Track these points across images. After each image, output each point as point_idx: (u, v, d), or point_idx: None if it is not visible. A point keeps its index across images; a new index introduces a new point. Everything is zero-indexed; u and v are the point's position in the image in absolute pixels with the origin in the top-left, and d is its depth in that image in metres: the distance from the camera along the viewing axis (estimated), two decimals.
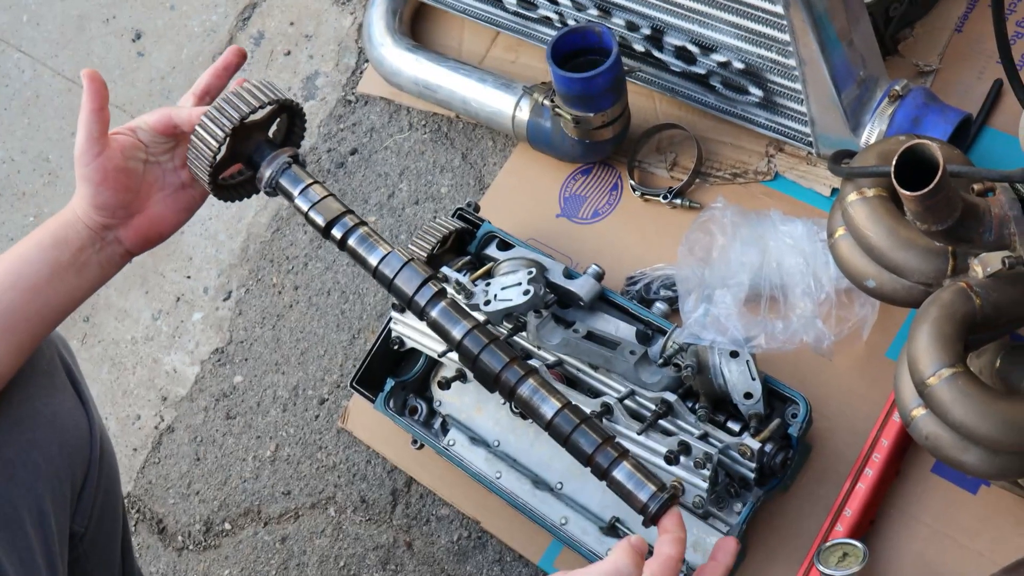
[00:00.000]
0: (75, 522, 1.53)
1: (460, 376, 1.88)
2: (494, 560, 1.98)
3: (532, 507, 1.83)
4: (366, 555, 2.09)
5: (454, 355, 1.85)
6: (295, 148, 1.61)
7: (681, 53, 1.89)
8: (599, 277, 1.88)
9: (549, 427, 1.42)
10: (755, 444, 1.63)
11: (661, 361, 1.75)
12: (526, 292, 1.82)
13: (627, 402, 1.76)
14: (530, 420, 1.72)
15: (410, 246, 1.96)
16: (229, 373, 2.35)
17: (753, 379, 1.67)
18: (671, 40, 1.87)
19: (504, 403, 1.84)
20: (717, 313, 1.68)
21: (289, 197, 1.55)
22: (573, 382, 1.83)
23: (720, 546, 1.37)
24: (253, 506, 2.22)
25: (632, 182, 2.04)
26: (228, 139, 1.51)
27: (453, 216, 2.02)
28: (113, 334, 2.53)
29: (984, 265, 1.46)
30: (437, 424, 1.95)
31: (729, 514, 1.71)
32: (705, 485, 1.65)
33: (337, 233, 1.52)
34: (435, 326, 1.48)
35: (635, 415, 1.75)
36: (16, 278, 1.48)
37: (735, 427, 1.72)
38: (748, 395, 1.68)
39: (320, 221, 1.52)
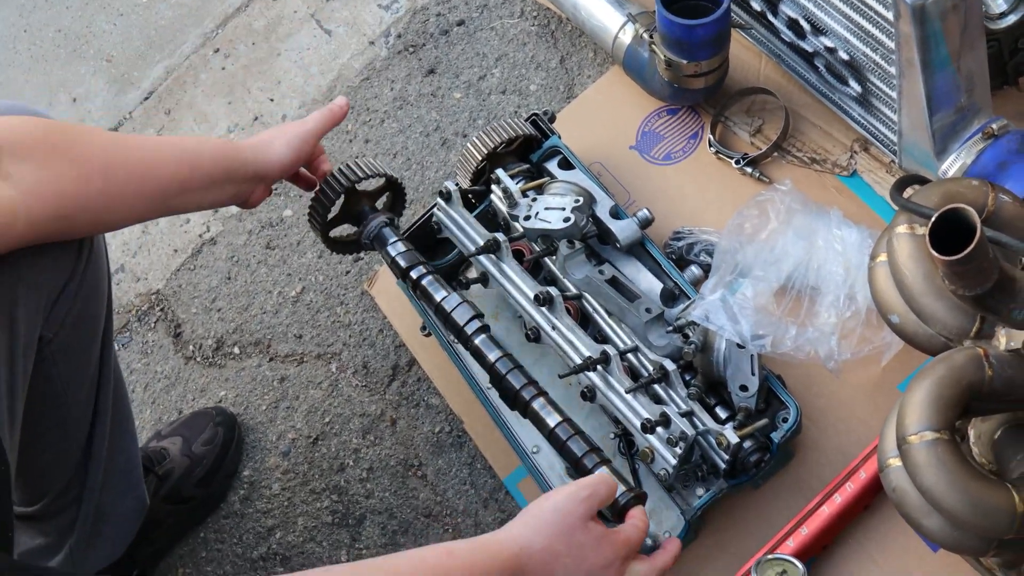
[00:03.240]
0: (45, 328, 1.55)
1: (483, 280, 1.87)
2: (465, 462, 1.99)
3: (511, 427, 1.83)
4: (352, 419, 2.11)
5: (483, 257, 1.85)
6: (394, 214, 1.95)
7: (792, 25, 1.83)
8: (645, 224, 1.84)
9: (550, 435, 1.65)
10: (734, 438, 1.61)
11: (672, 327, 1.73)
12: (567, 219, 1.80)
13: (629, 356, 1.74)
14: (539, 345, 1.74)
15: (475, 139, 1.94)
16: (281, 204, 2.36)
17: (752, 374, 1.64)
18: (785, 10, 1.81)
19: (519, 318, 1.83)
20: (733, 302, 1.64)
21: (383, 245, 1.88)
22: (585, 320, 1.81)
23: (665, 545, 1.55)
24: (265, 339, 2.24)
25: (712, 136, 2.00)
26: (342, 198, 1.89)
27: (527, 120, 1.99)
28: (188, 132, 2.54)
29: (1009, 338, 1.41)
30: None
31: (690, 495, 1.70)
32: (675, 462, 1.64)
33: (414, 274, 1.82)
34: (476, 353, 1.75)
35: (632, 372, 1.74)
36: (157, 162, 1.62)
37: (722, 414, 1.70)
38: (744, 388, 1.65)
39: (403, 263, 1.84)
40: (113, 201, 1.55)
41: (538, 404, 1.67)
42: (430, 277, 1.82)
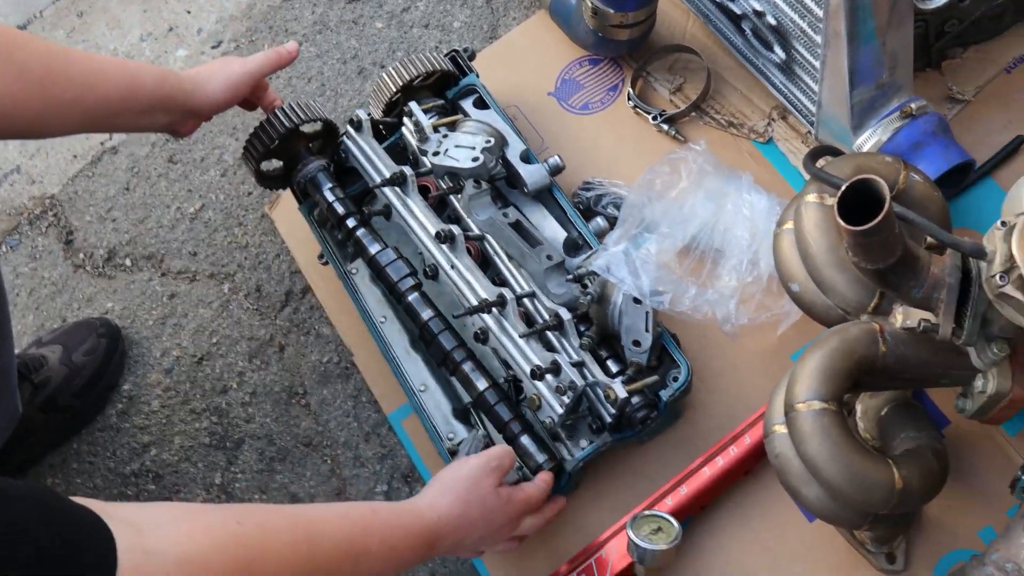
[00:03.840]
0: None
1: (386, 213, 1.83)
2: (351, 395, 1.96)
3: (401, 363, 1.80)
4: (240, 341, 2.06)
5: (388, 189, 1.81)
6: (328, 159, 1.93)
7: None
8: (555, 171, 1.82)
9: (478, 398, 1.71)
10: (622, 392, 1.59)
11: (572, 277, 1.71)
12: (475, 159, 1.77)
13: (525, 302, 1.72)
14: (438, 281, 1.72)
15: (391, 69, 1.90)
16: None
17: (647, 330, 1.63)
18: None
19: (419, 254, 1.80)
20: (635, 256, 1.63)
21: (318, 190, 1.88)
22: (485, 262, 1.78)
23: (551, 502, 1.65)
24: (158, 253, 2.19)
25: (631, 90, 1.97)
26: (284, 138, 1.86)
27: (446, 55, 1.95)
28: (99, 39, 2.47)
29: (906, 316, 1.41)
30: (350, 248, 1.90)
31: (575, 446, 1.68)
32: (561, 411, 1.62)
33: (349, 223, 1.84)
34: (409, 310, 1.79)
35: (527, 317, 1.71)
36: (98, 79, 1.63)
37: (613, 368, 1.68)
38: (637, 343, 1.64)
39: (340, 210, 1.85)
40: (50, 109, 1.57)
41: (468, 367, 1.72)
42: (364, 229, 1.83)
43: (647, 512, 1.60)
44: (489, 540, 1.58)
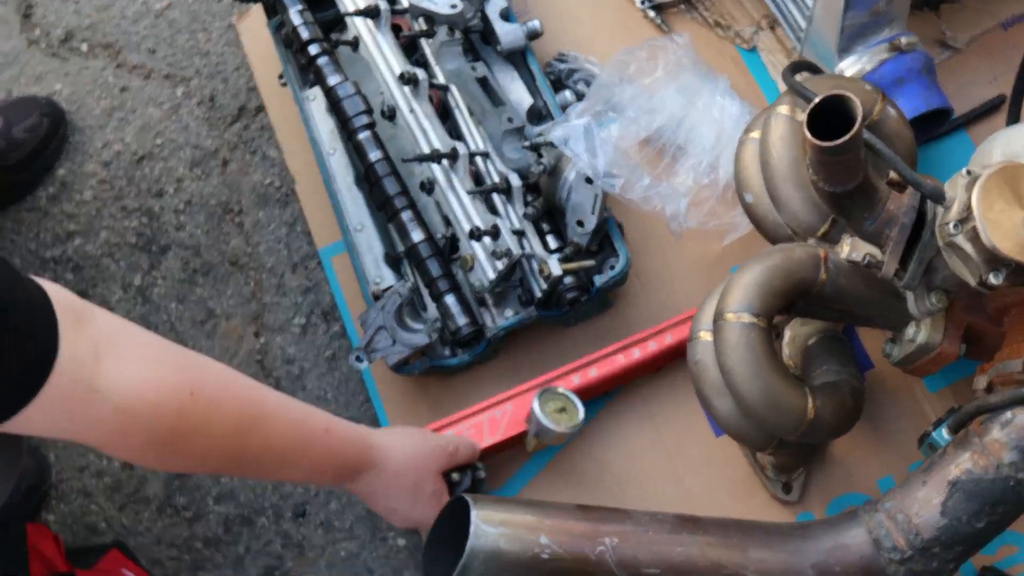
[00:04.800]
0: None
1: (354, 44, 1.78)
2: (286, 221, 1.94)
3: (342, 198, 1.76)
4: (184, 148, 2.02)
5: (359, 20, 1.76)
6: None
7: None
8: (532, 35, 1.78)
9: (411, 249, 1.68)
10: (557, 269, 1.57)
11: (529, 144, 1.67)
12: (454, 6, 1.72)
13: (478, 160, 1.69)
14: (394, 124, 1.68)
15: None
16: None
17: (593, 212, 1.60)
18: None
19: (380, 94, 1.75)
20: (596, 134, 1.59)
21: (286, 9, 1.79)
22: (445, 114, 1.74)
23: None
24: (117, 44, 2.13)
25: None
26: None
27: None
28: None
29: (851, 249, 1.39)
30: (310, 75, 1.85)
31: (499, 314, 1.66)
32: (492, 276, 1.60)
33: (312, 50, 1.76)
34: (358, 147, 1.73)
35: (476, 176, 1.68)
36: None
37: (552, 244, 1.66)
38: (580, 223, 1.61)
39: (304, 35, 1.77)
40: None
41: (407, 216, 1.69)
42: (327, 58, 1.76)
43: (559, 390, 1.58)
44: (399, 514, 1.53)
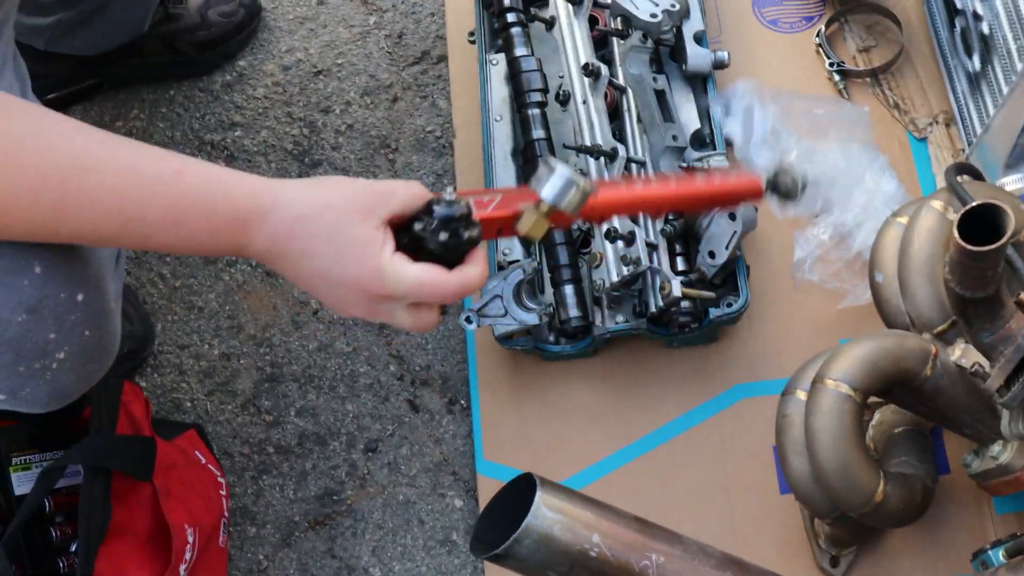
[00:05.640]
0: None
1: (549, 23, 1.84)
2: (436, 172, 2.00)
3: (495, 165, 1.82)
4: (362, 74, 2.09)
5: (561, 2, 1.83)
6: None
7: None
8: (718, 65, 1.82)
9: None
10: (678, 291, 1.61)
11: (684, 165, 1.72)
12: (654, 16, 1.76)
13: (633, 166, 1.73)
14: (565, 110, 1.78)
15: None
16: None
17: (726, 248, 1.64)
18: None
19: (560, 77, 1.81)
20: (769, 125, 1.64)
21: None
22: (615, 114, 1.79)
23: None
24: None
25: (823, 29, 1.95)
26: None
27: None
28: None
29: (962, 354, 1.42)
30: (499, 40, 1.89)
31: (610, 317, 1.71)
32: (615, 279, 1.65)
33: (509, 17, 1.83)
34: (524, 121, 1.78)
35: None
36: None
37: (680, 266, 1.70)
38: (712, 255, 1.65)
39: (506, 2, 1.83)
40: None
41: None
42: (520, 29, 1.84)
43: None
44: (326, 279, 1.17)
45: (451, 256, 1.17)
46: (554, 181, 1.18)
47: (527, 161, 1.77)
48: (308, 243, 1.14)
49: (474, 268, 1.18)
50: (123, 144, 1.13)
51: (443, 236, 1.15)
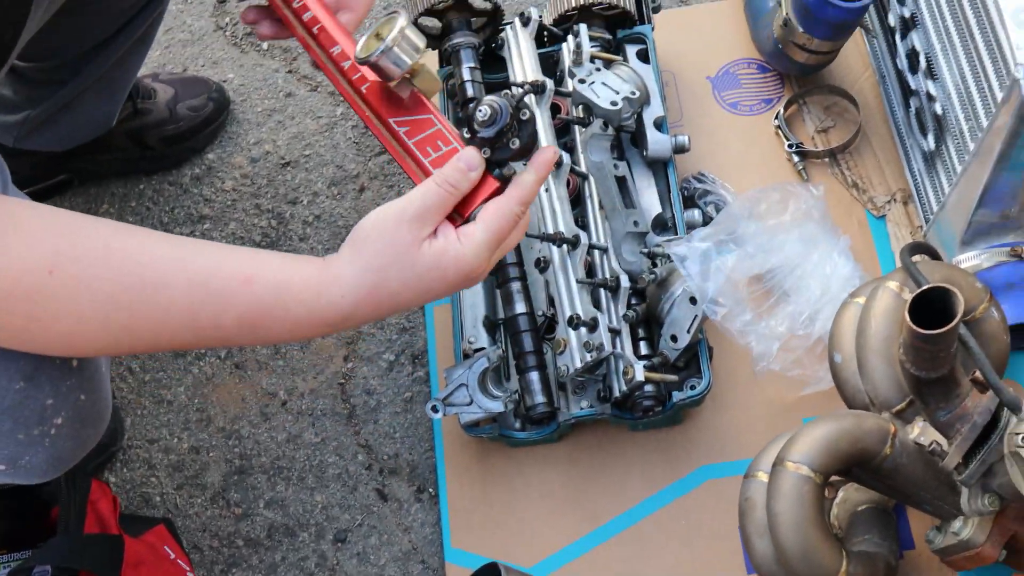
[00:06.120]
0: None
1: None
2: None
3: None
4: (329, 165, 2.12)
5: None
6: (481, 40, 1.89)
7: (912, 56, 1.81)
8: (679, 149, 1.84)
9: (511, 319, 1.74)
10: (641, 376, 1.62)
11: (646, 251, 1.74)
12: (614, 104, 1.78)
13: (595, 253, 1.75)
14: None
15: None
16: None
17: (688, 331, 1.66)
18: (915, 40, 1.79)
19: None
20: (713, 260, 1.65)
21: (460, 64, 1.87)
22: (577, 200, 1.81)
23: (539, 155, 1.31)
24: (294, 51, 2.24)
25: (782, 111, 1.98)
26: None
27: None
28: None
29: (920, 432, 1.43)
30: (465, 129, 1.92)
31: (575, 402, 1.73)
32: (579, 365, 1.66)
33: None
34: None
35: (589, 267, 1.75)
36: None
37: (644, 350, 1.72)
38: (674, 338, 1.67)
39: (469, 92, 1.84)
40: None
41: (515, 287, 1.74)
42: None
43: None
44: (409, 292, 1.22)
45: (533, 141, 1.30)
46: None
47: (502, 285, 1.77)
48: (387, 295, 1.20)
49: (527, 174, 1.27)
50: (188, 251, 1.17)
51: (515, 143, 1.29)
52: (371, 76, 1.32)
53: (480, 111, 1.29)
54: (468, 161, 1.24)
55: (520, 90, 1.31)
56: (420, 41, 1.27)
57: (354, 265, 1.20)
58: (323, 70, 1.41)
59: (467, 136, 1.29)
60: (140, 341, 1.17)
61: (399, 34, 1.25)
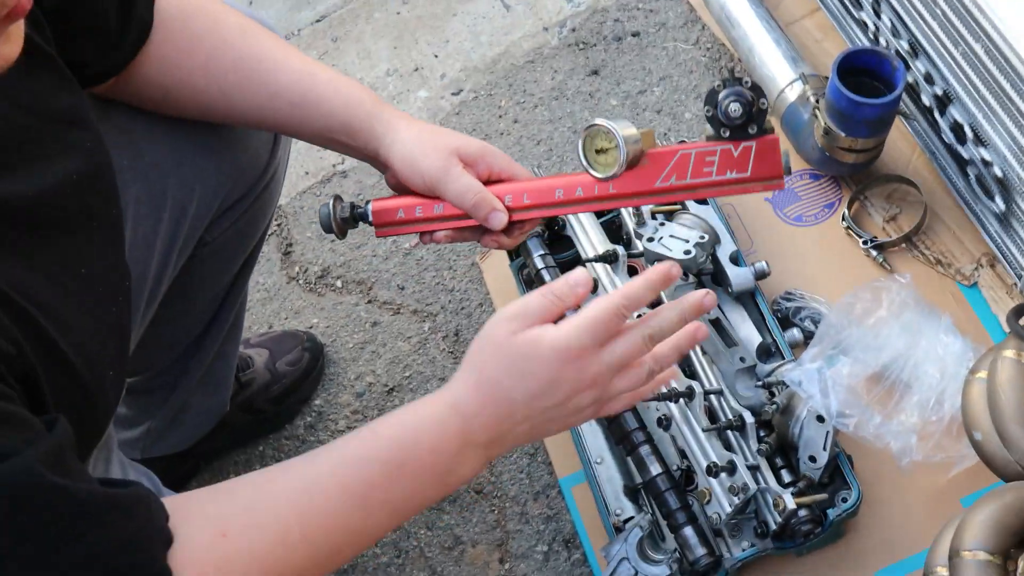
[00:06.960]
0: (207, 231, 1.61)
1: (594, 287, 1.91)
2: (527, 451, 2.04)
3: (581, 431, 1.87)
4: (431, 380, 2.17)
5: (599, 265, 1.90)
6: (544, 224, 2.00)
7: (956, 128, 1.85)
8: (760, 276, 1.89)
9: (649, 482, 1.74)
10: (791, 503, 1.65)
11: (760, 383, 1.77)
12: (688, 252, 1.84)
13: (712, 398, 1.78)
14: None
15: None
16: None
17: (824, 448, 1.68)
18: (954, 113, 1.84)
19: None
20: (828, 375, 1.68)
21: (529, 253, 1.94)
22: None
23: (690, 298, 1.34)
24: (368, 280, 2.31)
25: (847, 212, 2.03)
26: None
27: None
28: (348, 66, 2.62)
29: None
30: None
31: (735, 544, 1.74)
32: (729, 510, 1.68)
33: None
34: None
35: (711, 413, 1.78)
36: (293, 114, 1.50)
37: (786, 478, 1.74)
38: (813, 459, 1.69)
39: (547, 278, 1.89)
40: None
41: (645, 451, 1.75)
42: None
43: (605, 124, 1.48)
44: (566, 413, 1.25)
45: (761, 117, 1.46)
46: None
47: (611, 420, 1.80)
48: (520, 423, 1.23)
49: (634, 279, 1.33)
50: (338, 465, 1.18)
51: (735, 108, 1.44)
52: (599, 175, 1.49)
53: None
54: (577, 278, 1.28)
55: None
56: (621, 121, 1.47)
57: (460, 371, 1.25)
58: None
59: None
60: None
61: (618, 133, 1.45)
